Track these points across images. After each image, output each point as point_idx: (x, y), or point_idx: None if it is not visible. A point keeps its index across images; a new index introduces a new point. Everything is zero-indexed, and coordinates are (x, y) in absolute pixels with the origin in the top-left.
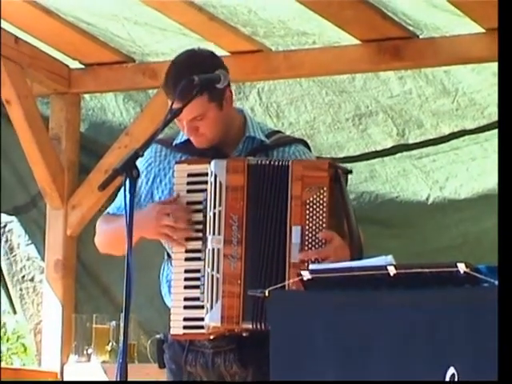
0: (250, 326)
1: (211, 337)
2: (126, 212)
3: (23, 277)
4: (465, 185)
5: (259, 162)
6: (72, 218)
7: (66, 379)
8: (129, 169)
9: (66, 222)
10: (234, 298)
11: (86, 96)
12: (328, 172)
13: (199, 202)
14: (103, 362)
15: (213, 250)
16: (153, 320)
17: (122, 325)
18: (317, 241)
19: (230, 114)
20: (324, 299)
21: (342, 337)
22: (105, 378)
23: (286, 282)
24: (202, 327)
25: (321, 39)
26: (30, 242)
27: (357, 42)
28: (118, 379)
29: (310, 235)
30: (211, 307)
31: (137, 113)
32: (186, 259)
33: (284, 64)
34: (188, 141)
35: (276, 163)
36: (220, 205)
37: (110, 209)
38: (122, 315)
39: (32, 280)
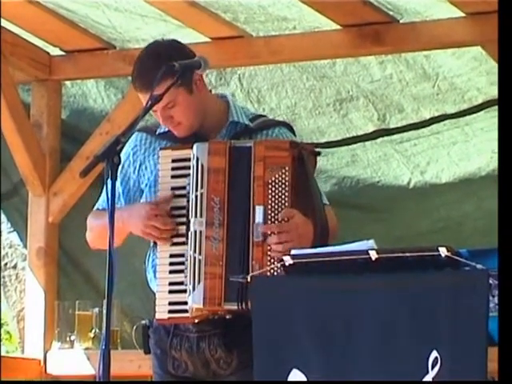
0: (232, 307)
1: (196, 320)
2: (107, 199)
3: (6, 264)
4: (446, 169)
5: (238, 144)
6: (54, 205)
7: (49, 366)
8: (110, 155)
9: (48, 208)
10: (216, 279)
11: (67, 83)
12: (290, 151)
13: (183, 187)
14: (86, 348)
15: (195, 232)
16: (135, 306)
17: (104, 311)
18: (279, 219)
19: (205, 98)
20: (306, 284)
21: (324, 321)
22: (88, 365)
23: (267, 269)
24: (186, 311)
25: (301, 24)
26: (12, 229)
27: (337, 27)
28: (101, 366)
29: (273, 214)
30: (193, 289)
31: (118, 99)
32: (171, 244)
33: (265, 49)
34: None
35: (240, 145)
36: (202, 187)
37: (98, 204)
38: (105, 302)
39: (15, 267)
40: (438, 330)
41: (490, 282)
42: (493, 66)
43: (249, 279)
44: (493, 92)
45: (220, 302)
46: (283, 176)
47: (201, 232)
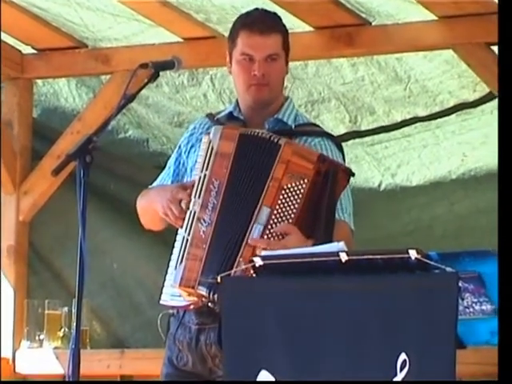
0: (203, 293)
1: (191, 307)
2: (78, 198)
3: None
4: (416, 172)
5: (252, 132)
6: (24, 204)
7: (18, 365)
8: (82, 154)
9: (18, 207)
10: (197, 261)
11: (39, 81)
12: (315, 165)
13: None
14: (55, 347)
15: (190, 212)
16: (105, 306)
17: (74, 310)
18: (274, 233)
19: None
20: (276, 285)
21: (293, 322)
22: (57, 364)
23: (240, 268)
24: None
25: None
26: None
27: (310, 28)
28: (71, 365)
29: (276, 220)
30: (175, 268)
31: (89, 98)
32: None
33: None
34: (228, 115)
35: (269, 138)
36: (207, 169)
37: (156, 182)
38: (75, 301)
39: None
40: (406, 332)
41: (460, 284)
42: (464, 69)
43: (219, 280)
44: (464, 95)
45: (194, 285)
46: (299, 187)
47: (195, 213)
